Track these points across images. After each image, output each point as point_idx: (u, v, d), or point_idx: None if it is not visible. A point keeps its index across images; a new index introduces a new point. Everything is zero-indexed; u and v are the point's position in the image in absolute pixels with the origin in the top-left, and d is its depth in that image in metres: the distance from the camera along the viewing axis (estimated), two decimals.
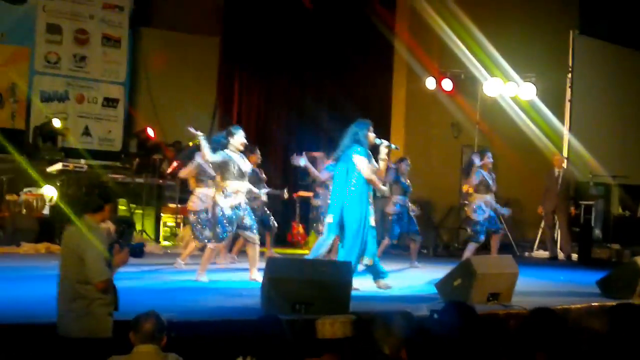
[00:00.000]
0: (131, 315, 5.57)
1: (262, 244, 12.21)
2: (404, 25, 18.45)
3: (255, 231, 10.57)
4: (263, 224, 12.76)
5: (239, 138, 10.44)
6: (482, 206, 12.95)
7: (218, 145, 10.40)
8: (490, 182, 13.04)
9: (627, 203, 18.74)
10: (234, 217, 10.29)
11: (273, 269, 8.09)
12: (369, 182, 10.03)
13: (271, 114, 17.99)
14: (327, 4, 17.35)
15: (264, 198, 12.81)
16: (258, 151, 12.81)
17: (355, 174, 10.04)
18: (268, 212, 13.19)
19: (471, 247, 12.98)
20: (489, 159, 13.08)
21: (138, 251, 6.54)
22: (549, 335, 5.25)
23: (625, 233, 17.64)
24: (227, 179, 10.34)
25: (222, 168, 10.36)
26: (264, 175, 13.10)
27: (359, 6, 17.41)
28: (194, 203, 11.81)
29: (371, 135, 10.33)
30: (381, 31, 17.71)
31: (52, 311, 6.21)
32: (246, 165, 10.60)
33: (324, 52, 17.73)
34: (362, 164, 10.01)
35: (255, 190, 11.46)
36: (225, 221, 10.26)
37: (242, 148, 10.53)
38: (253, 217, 10.68)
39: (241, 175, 10.43)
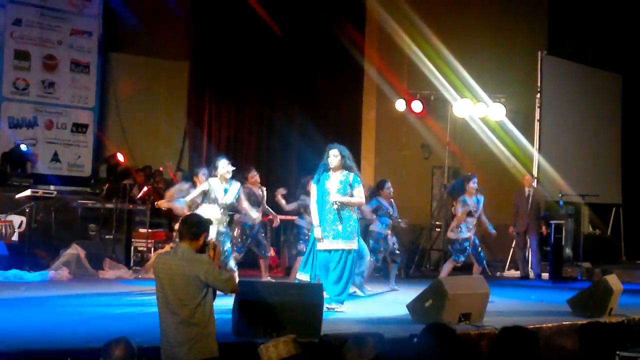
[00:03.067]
0: (101, 342, 5.52)
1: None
2: (373, 47, 18.52)
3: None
4: (257, 248, 12.84)
5: (222, 168, 10.94)
6: (462, 226, 12.92)
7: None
8: (471, 207, 13.02)
9: (596, 222, 18.89)
10: None
11: (243, 292, 8.04)
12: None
13: (241, 136, 17.97)
14: (297, 27, 17.38)
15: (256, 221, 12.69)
16: (253, 171, 12.97)
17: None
18: (263, 236, 13.16)
19: (447, 265, 13.00)
20: (473, 184, 13.10)
21: None
22: (520, 354, 5.25)
23: (595, 252, 17.78)
24: (202, 203, 10.87)
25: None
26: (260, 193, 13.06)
27: (329, 28, 17.44)
28: None
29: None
30: (351, 53, 17.75)
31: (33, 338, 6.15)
32: (226, 197, 10.88)
33: (294, 74, 17.75)
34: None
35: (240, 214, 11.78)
36: None
37: (228, 176, 10.98)
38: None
39: (214, 201, 10.80)
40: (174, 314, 6.38)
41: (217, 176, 10.96)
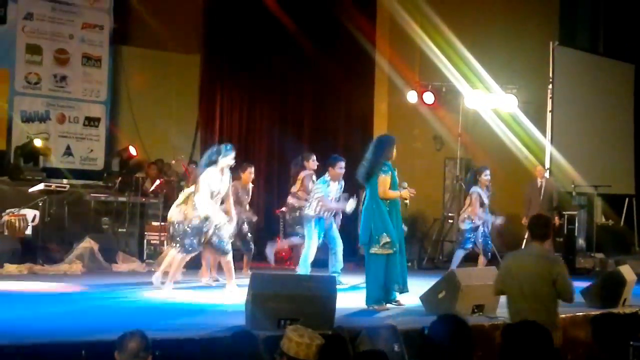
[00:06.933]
0: (115, 335, 5.53)
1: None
2: (385, 39, 18.50)
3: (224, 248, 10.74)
4: (242, 243, 12.83)
5: (227, 159, 10.62)
6: (471, 217, 13.07)
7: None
8: (485, 198, 13.14)
9: (609, 213, 18.84)
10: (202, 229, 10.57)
11: (257, 284, 8.05)
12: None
13: (253, 129, 17.96)
14: (308, 18, 17.35)
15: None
16: (249, 169, 12.91)
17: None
18: (249, 232, 13.11)
19: (458, 254, 13.08)
20: (485, 176, 13.21)
21: None
22: (534, 347, 5.24)
23: (608, 242, 17.73)
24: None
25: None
26: (246, 196, 13.03)
27: (340, 20, 17.43)
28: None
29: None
30: (362, 45, 17.75)
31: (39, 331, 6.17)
32: (222, 187, 10.71)
33: (305, 66, 17.73)
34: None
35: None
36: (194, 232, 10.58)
37: (227, 168, 10.73)
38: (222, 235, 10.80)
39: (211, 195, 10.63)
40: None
41: (216, 162, 10.59)
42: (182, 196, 11.35)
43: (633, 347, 7.08)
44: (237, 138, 17.25)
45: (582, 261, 16.44)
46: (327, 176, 12.37)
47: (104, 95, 17.27)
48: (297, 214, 13.18)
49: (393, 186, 9.90)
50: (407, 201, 10.35)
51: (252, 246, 13.19)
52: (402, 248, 10.07)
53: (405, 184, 10.53)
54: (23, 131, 16.25)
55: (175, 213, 11.27)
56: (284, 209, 13.92)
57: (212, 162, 10.59)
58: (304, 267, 12.13)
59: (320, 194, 12.20)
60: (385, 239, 9.71)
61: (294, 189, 13.46)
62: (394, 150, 10.07)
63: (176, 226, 11.08)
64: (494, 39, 18.22)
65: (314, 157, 13.24)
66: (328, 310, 7.96)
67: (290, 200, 13.57)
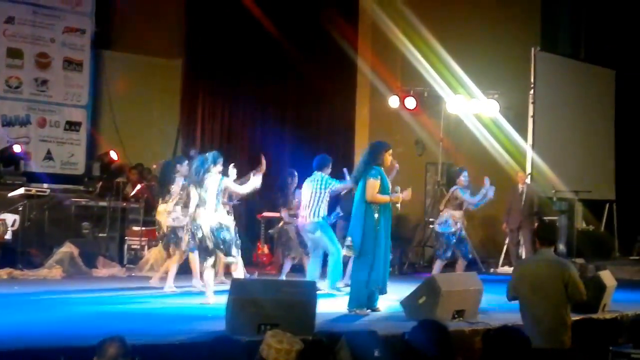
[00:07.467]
0: (95, 341, 5.51)
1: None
2: (367, 44, 18.52)
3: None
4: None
5: (220, 166, 10.61)
6: (449, 221, 13.03)
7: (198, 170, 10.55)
8: (467, 197, 13.18)
9: (589, 218, 18.90)
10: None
11: (237, 290, 8.05)
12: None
13: (235, 134, 17.95)
14: (290, 23, 17.35)
15: None
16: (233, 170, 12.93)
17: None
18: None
19: (438, 264, 13.04)
20: (463, 177, 13.22)
21: None
22: (513, 352, 5.25)
23: (589, 248, 17.78)
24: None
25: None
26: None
27: (322, 25, 17.44)
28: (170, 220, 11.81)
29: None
30: (344, 50, 17.77)
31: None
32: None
33: (287, 71, 17.74)
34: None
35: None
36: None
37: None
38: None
39: (203, 202, 10.52)
40: None
41: (210, 171, 10.51)
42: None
43: (613, 352, 7.12)
44: (219, 142, 17.22)
45: None
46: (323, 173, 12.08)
47: (85, 99, 17.20)
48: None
49: (383, 191, 9.92)
50: (399, 205, 10.34)
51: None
52: (388, 252, 10.11)
53: (398, 188, 10.54)
54: (3, 136, 16.16)
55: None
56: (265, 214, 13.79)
57: (205, 171, 10.49)
58: (335, 277, 11.82)
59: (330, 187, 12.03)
60: (349, 241, 9.82)
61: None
62: (389, 156, 10.19)
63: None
64: (476, 45, 18.26)
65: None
66: (308, 316, 7.96)
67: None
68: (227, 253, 10.55)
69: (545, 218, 16.13)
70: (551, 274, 7.44)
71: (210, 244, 10.39)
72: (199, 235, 10.43)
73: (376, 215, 9.85)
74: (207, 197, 10.43)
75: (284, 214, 13.03)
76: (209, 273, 10.56)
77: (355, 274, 9.94)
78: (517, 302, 7.76)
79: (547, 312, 7.35)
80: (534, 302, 7.47)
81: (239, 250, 10.74)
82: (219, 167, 10.65)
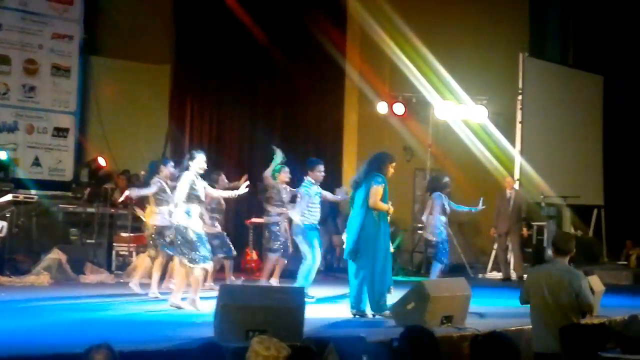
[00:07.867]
0: (82, 348, 5.49)
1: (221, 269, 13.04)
2: (355, 50, 18.55)
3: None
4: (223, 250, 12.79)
5: (199, 162, 10.42)
6: (440, 228, 13.15)
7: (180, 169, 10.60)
8: (447, 205, 13.30)
9: (577, 223, 18.91)
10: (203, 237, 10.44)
11: (225, 296, 8.04)
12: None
13: (223, 140, 17.95)
14: (278, 29, 17.37)
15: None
16: (222, 176, 12.91)
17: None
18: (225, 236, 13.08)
19: (436, 267, 13.16)
20: (445, 183, 13.39)
21: None
22: (501, 358, 5.25)
23: (577, 253, 17.73)
24: (191, 202, 10.35)
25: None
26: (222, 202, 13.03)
27: (311, 31, 17.45)
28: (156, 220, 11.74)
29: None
30: (332, 55, 17.79)
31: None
32: (202, 193, 10.57)
33: (275, 76, 17.76)
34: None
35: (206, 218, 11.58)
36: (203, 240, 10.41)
37: (201, 172, 10.51)
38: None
39: (199, 200, 10.46)
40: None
41: (189, 169, 10.41)
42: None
43: (601, 358, 7.12)
44: (207, 148, 17.15)
45: None
46: (309, 178, 12.08)
47: (73, 105, 17.16)
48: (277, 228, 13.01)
49: (384, 200, 9.98)
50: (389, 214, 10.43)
51: (232, 252, 13.15)
52: (388, 256, 10.18)
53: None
54: None
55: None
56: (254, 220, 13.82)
57: (185, 168, 10.45)
58: (305, 281, 11.72)
59: (305, 195, 12.02)
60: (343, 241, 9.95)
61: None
62: (392, 169, 10.24)
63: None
64: (464, 51, 18.29)
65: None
66: (297, 322, 7.95)
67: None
68: (184, 255, 10.37)
69: (533, 223, 16.15)
70: (563, 283, 7.60)
71: (175, 241, 10.38)
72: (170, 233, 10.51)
73: (377, 220, 9.96)
74: (174, 194, 10.45)
75: (269, 208, 13.10)
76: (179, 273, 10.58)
77: (352, 278, 10.08)
78: (522, 305, 8.04)
79: (556, 318, 7.47)
80: (545, 309, 7.62)
81: (210, 255, 10.58)
82: (199, 164, 10.47)
